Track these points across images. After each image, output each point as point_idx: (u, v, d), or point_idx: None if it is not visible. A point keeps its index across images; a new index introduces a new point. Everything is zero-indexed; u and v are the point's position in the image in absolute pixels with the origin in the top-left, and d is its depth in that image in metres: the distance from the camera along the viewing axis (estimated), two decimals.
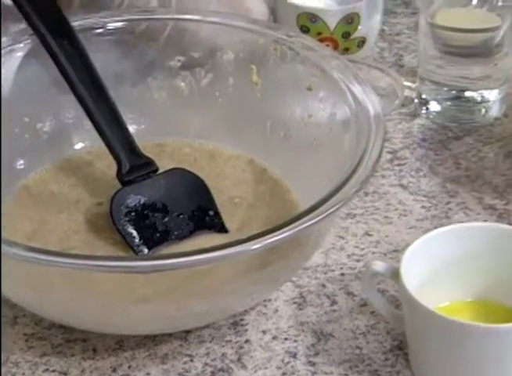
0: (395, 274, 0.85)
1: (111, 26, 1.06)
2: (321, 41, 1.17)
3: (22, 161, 1.03)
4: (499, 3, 1.09)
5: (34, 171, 1.02)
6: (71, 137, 1.05)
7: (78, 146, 1.04)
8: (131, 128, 1.00)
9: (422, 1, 1.13)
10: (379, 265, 0.88)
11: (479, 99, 1.14)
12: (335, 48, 1.19)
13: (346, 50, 1.20)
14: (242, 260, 0.85)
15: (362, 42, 1.21)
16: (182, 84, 1.08)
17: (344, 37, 1.19)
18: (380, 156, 0.88)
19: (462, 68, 1.12)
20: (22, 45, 1.03)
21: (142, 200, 0.96)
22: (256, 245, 0.80)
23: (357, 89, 0.96)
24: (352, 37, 1.20)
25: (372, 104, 0.94)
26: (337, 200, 0.83)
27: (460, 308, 0.89)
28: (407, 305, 0.85)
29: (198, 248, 0.81)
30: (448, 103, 1.15)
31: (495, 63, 1.11)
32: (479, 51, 1.10)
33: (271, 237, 0.80)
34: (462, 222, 0.98)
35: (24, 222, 0.97)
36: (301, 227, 0.81)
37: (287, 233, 0.80)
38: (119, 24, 1.06)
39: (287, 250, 0.86)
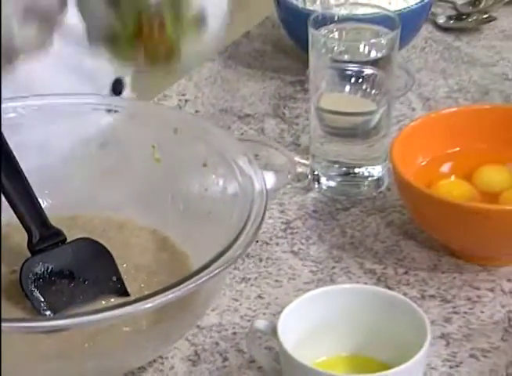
0: (275, 331, 0.85)
1: None
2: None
3: None
4: (373, 91, 1.10)
5: None
6: None
7: None
8: (46, 203, 1.02)
9: (311, 87, 1.13)
10: (261, 323, 0.89)
11: (365, 174, 1.15)
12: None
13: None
14: (135, 318, 0.87)
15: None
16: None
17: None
18: (260, 226, 0.90)
19: (345, 147, 1.12)
20: None
21: (50, 268, 0.96)
22: (147, 305, 0.82)
23: (246, 166, 0.98)
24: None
25: (258, 180, 0.96)
26: (221, 263, 0.85)
27: (336, 362, 0.89)
28: (284, 360, 0.86)
29: (90, 310, 0.84)
30: (338, 178, 1.15)
31: (372, 144, 1.11)
32: (357, 132, 1.11)
33: (159, 298, 0.82)
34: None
35: None
36: (187, 287, 0.83)
37: (174, 294, 0.82)
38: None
39: (178, 308, 0.88)
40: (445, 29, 1.43)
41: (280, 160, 1.16)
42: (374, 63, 1.09)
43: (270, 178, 1.08)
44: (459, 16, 1.45)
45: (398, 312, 0.89)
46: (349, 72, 1.10)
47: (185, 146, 1.04)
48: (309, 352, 0.87)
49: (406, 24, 1.27)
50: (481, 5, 1.46)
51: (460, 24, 1.43)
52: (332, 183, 1.15)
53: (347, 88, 1.11)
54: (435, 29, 1.43)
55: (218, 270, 0.85)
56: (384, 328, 0.90)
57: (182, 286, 0.83)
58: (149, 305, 0.82)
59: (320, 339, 0.90)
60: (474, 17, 1.43)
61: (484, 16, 1.43)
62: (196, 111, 1.31)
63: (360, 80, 1.10)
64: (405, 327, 0.88)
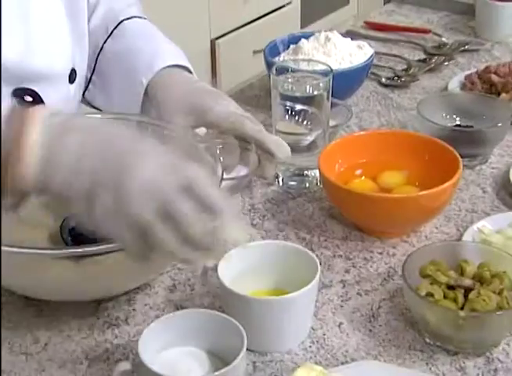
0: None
1: None
2: None
3: None
4: (305, 121, 1.12)
5: None
6: None
7: None
8: None
9: (272, 115, 1.14)
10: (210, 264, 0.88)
11: (309, 175, 1.16)
12: None
13: None
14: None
15: None
16: None
17: None
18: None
19: (296, 156, 1.11)
20: None
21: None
22: None
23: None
24: None
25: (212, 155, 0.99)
26: None
27: (260, 293, 0.93)
28: (222, 291, 0.89)
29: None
30: (291, 177, 1.17)
31: (314, 155, 1.12)
32: (299, 147, 1.12)
33: None
34: None
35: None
36: None
37: None
38: None
39: None
40: (384, 85, 1.45)
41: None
42: (311, 99, 1.12)
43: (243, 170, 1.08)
44: (394, 78, 1.47)
45: (301, 259, 0.93)
46: (288, 107, 1.12)
47: None
48: (241, 286, 0.88)
49: (352, 78, 1.34)
50: (411, 71, 1.49)
51: (395, 83, 1.46)
52: (286, 180, 1.17)
53: (287, 117, 1.13)
54: (378, 85, 1.46)
55: None
56: (291, 269, 0.93)
57: None
58: None
59: (249, 278, 0.92)
60: (404, 79, 1.47)
61: (412, 78, 1.47)
62: None
63: (294, 113, 1.12)
64: (304, 268, 0.91)
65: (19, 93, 1.01)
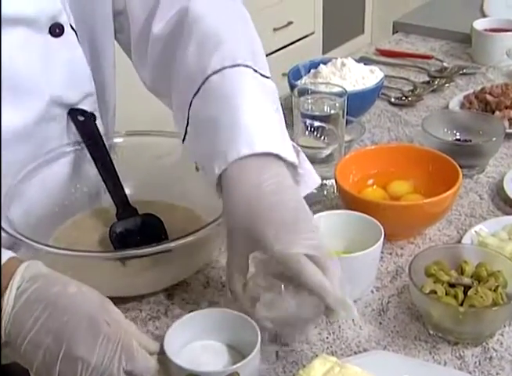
0: None
1: None
2: None
3: None
4: (322, 137, 1.09)
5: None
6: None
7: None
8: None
9: (295, 131, 1.09)
10: None
11: (327, 184, 1.11)
12: None
13: None
14: (172, 253, 0.86)
15: None
16: None
17: None
18: None
19: (316, 168, 0.98)
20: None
21: (126, 228, 0.95)
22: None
23: None
24: None
25: None
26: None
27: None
28: None
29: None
30: None
31: (330, 167, 1.08)
32: (317, 159, 1.06)
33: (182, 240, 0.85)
34: None
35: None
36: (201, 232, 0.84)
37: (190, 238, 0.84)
38: None
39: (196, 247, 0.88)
40: (393, 104, 1.42)
41: None
42: (329, 117, 1.08)
43: None
44: (402, 97, 1.43)
45: (365, 226, 0.93)
46: (308, 124, 1.08)
47: None
48: None
49: (365, 98, 1.31)
50: (416, 92, 1.45)
51: (403, 102, 1.42)
52: None
53: (307, 133, 1.09)
54: (388, 104, 1.42)
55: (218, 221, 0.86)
56: (357, 235, 0.93)
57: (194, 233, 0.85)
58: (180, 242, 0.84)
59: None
60: (410, 98, 1.43)
61: (417, 98, 1.43)
62: None
63: (313, 129, 1.09)
64: (368, 233, 0.92)
65: (73, 113, 0.97)
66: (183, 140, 0.91)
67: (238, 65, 0.87)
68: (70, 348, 0.69)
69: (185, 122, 0.89)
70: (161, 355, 0.74)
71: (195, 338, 0.79)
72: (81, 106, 0.97)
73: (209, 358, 0.78)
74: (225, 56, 0.87)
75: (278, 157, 0.81)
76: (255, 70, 0.88)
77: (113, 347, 0.69)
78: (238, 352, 0.78)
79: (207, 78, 0.87)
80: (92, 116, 0.99)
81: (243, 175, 0.80)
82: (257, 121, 0.83)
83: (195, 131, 0.88)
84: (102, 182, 0.97)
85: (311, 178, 0.90)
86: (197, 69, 0.88)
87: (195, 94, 0.88)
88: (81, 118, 0.97)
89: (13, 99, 0.88)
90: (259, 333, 0.76)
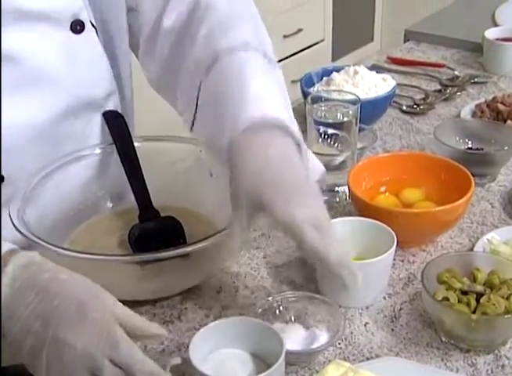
0: None
1: None
2: None
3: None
4: (336, 143, 1.09)
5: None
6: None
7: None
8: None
9: (308, 138, 1.08)
10: None
11: (340, 191, 1.12)
12: None
13: None
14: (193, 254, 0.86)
15: None
16: None
17: None
18: None
19: (328, 175, 1.03)
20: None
21: (147, 230, 0.95)
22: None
23: None
24: None
25: None
26: None
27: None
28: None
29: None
30: (325, 192, 1.09)
31: (343, 174, 1.08)
32: (330, 166, 1.08)
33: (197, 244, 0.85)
34: None
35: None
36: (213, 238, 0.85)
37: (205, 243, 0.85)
38: None
39: (211, 251, 0.88)
40: (405, 112, 1.42)
41: None
42: (342, 125, 1.08)
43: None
44: (414, 106, 1.44)
45: (378, 233, 0.94)
46: (321, 132, 1.09)
47: None
48: None
49: (377, 106, 1.31)
50: (428, 100, 1.46)
51: (415, 110, 1.42)
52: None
53: (320, 140, 1.10)
54: (400, 112, 1.42)
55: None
56: (370, 241, 0.94)
57: (211, 238, 0.85)
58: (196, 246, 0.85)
59: None
60: (422, 107, 1.43)
61: (429, 106, 1.43)
62: None
63: (327, 136, 1.09)
64: (381, 240, 0.93)
65: (106, 114, 0.98)
66: (191, 128, 0.93)
67: (249, 49, 0.89)
68: (58, 332, 0.69)
69: (194, 108, 0.91)
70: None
71: (220, 346, 0.79)
72: (105, 105, 0.98)
73: (233, 366, 0.77)
74: (236, 40, 0.89)
75: (285, 131, 0.83)
76: (265, 56, 0.90)
77: (98, 333, 0.69)
78: (262, 361, 0.78)
79: (217, 60, 0.89)
80: (122, 117, 0.99)
81: (252, 143, 0.82)
82: (266, 93, 0.85)
83: (204, 111, 0.90)
84: (121, 186, 0.98)
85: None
86: (208, 52, 0.90)
87: (205, 75, 0.89)
88: (113, 119, 0.98)
89: (36, 93, 0.89)
90: (284, 342, 0.76)
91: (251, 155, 0.81)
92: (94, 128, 0.99)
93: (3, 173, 0.90)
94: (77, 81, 0.93)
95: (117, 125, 0.98)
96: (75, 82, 0.93)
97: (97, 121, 0.99)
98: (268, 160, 0.80)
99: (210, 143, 0.90)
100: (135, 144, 1.00)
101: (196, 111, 0.91)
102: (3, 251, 0.74)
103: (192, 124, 0.93)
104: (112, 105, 0.99)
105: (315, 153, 1.06)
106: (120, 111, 1.01)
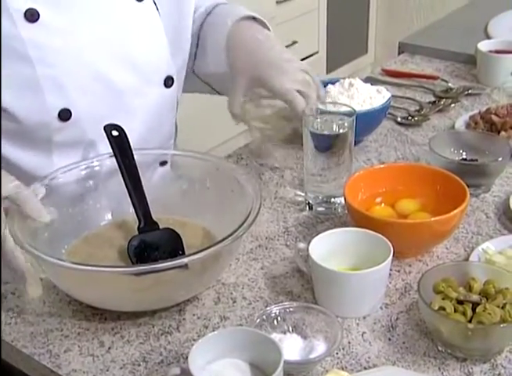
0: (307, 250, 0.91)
1: None
2: None
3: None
4: (331, 156, 1.09)
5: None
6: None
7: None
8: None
9: (304, 151, 1.10)
10: (301, 245, 0.96)
11: (335, 202, 1.13)
12: None
13: None
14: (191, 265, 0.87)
15: None
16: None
17: None
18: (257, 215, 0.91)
19: (323, 186, 1.11)
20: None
21: (146, 242, 0.97)
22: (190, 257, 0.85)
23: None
24: None
25: (252, 187, 0.95)
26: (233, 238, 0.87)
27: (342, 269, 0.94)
28: (313, 267, 0.91)
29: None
30: (320, 204, 1.13)
31: (339, 184, 1.09)
32: (327, 176, 1.10)
33: (197, 254, 0.85)
34: None
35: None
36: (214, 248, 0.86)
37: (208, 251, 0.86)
38: None
39: (209, 262, 0.90)
40: (400, 124, 1.43)
41: None
42: (337, 136, 1.09)
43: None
44: (409, 117, 1.45)
45: (374, 243, 0.95)
46: (315, 144, 1.09)
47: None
48: (331, 264, 0.91)
49: (372, 118, 1.31)
50: (423, 112, 1.47)
51: (409, 122, 1.43)
52: (316, 206, 1.15)
53: (315, 151, 1.10)
54: (395, 124, 1.43)
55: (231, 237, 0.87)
56: (367, 252, 0.95)
57: (209, 249, 0.86)
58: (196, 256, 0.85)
59: (336, 258, 0.94)
60: (417, 118, 1.44)
61: (423, 118, 1.44)
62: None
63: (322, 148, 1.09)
64: (378, 251, 0.93)
65: (107, 128, 1.00)
66: (193, 68, 1.19)
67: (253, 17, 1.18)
68: None
69: (195, 47, 1.18)
70: None
71: (218, 357, 0.80)
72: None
73: (233, 375, 0.78)
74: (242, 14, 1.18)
75: (263, 24, 1.18)
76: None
77: None
78: (261, 371, 0.79)
79: (215, 7, 1.21)
80: (123, 131, 1.01)
81: (244, 32, 1.13)
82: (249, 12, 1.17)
83: (204, 37, 1.18)
84: (120, 197, 0.99)
85: None
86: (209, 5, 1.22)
87: (206, 16, 1.20)
88: (115, 133, 0.99)
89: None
90: (282, 352, 0.77)
91: (244, 40, 1.12)
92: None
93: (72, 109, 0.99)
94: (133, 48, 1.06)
95: (117, 137, 1.00)
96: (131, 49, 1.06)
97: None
98: (259, 44, 1.12)
99: (211, 64, 1.16)
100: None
101: (196, 52, 1.18)
102: None
103: (195, 57, 1.18)
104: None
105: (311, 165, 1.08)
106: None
